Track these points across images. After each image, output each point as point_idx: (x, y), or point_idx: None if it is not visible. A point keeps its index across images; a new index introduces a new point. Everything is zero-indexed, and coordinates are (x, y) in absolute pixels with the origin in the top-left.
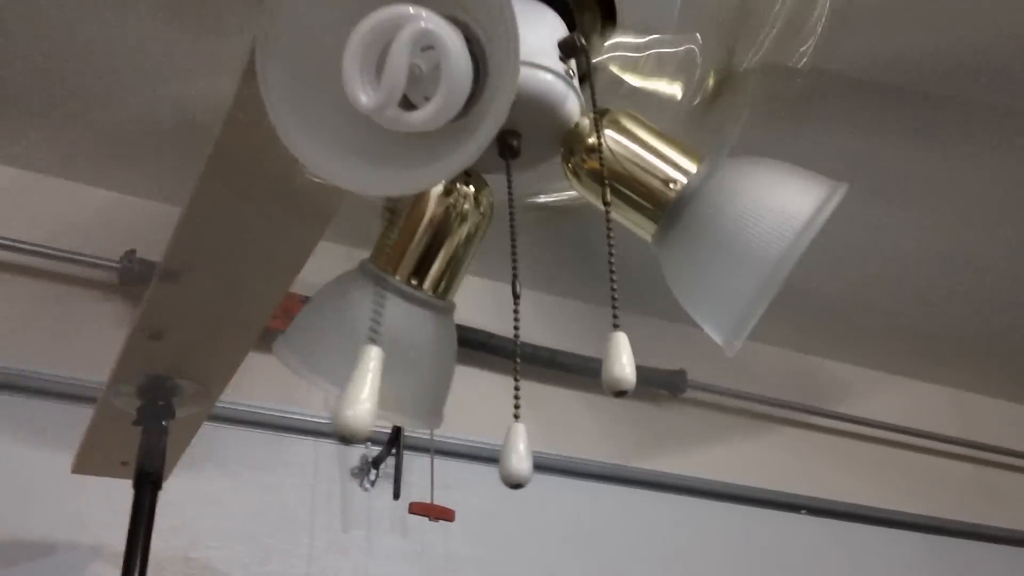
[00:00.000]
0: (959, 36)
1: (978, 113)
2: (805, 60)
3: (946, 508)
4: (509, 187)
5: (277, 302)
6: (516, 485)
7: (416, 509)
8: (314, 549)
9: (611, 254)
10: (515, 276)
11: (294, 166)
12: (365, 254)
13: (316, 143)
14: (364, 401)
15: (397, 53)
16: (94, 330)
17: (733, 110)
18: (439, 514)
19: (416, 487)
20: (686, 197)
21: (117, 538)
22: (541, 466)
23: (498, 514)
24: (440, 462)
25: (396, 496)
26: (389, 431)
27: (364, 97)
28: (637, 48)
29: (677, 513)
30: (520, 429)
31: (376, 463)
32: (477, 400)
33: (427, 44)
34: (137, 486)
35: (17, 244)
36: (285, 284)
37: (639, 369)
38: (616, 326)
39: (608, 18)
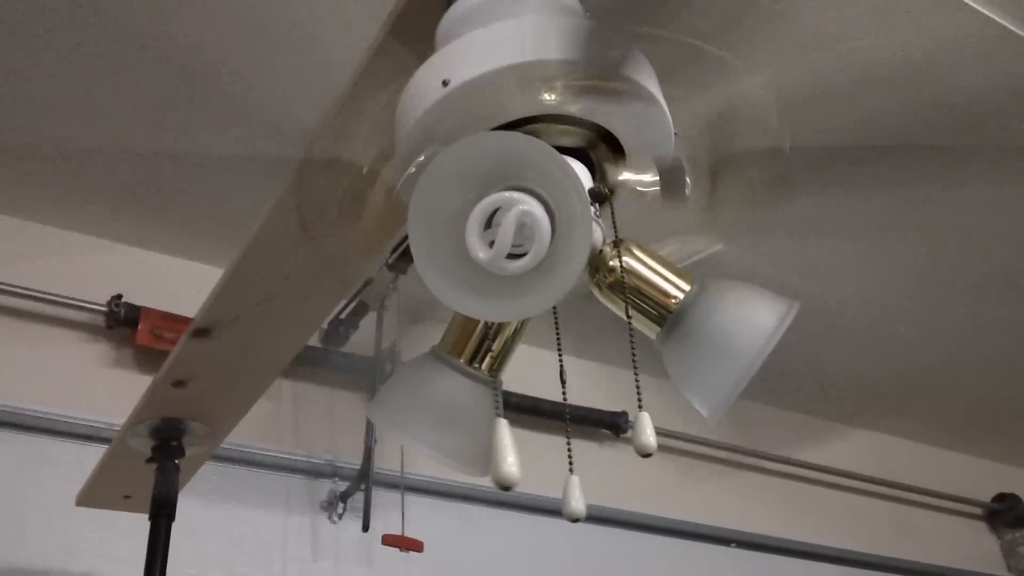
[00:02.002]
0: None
1: (901, 189)
2: (779, 145)
3: (863, 542)
4: (555, 310)
5: (294, 355)
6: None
7: (388, 540)
8: None
9: (634, 354)
10: (562, 367)
11: (327, 240)
12: None
13: (443, 281)
14: (512, 458)
15: (507, 225)
16: (82, 370)
17: (731, 207)
18: (409, 545)
19: (381, 520)
20: (683, 309)
21: (107, 566)
22: (498, 502)
23: (456, 547)
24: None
25: (365, 528)
26: (358, 467)
27: (482, 253)
28: (642, 181)
29: (617, 545)
30: (575, 481)
31: (344, 497)
32: None
33: (524, 220)
34: (153, 519)
35: (6, 288)
36: (304, 339)
37: (583, 409)
38: (640, 407)
39: (619, 153)
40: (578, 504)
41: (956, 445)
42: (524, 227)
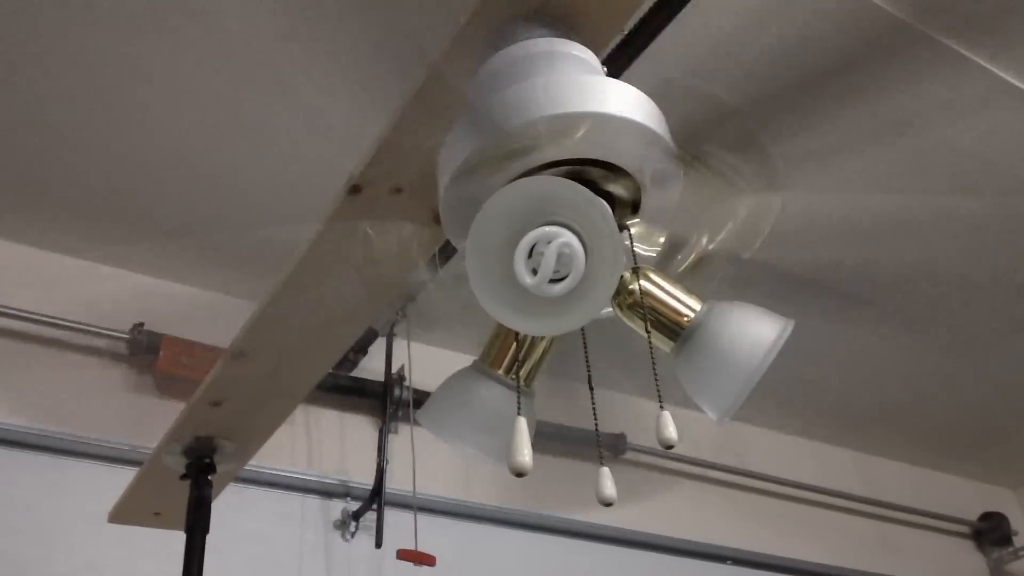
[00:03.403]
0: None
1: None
2: (749, 254)
3: (850, 558)
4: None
5: (321, 377)
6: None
7: (403, 555)
8: None
9: (654, 364)
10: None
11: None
12: None
13: (494, 301)
14: (527, 449)
15: (549, 255)
16: (105, 395)
17: (707, 274)
18: (422, 560)
19: (392, 538)
20: (694, 326)
21: None
22: (504, 521)
23: (464, 564)
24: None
25: (378, 544)
26: (369, 487)
27: (528, 279)
28: (650, 233)
29: (615, 562)
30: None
31: (356, 516)
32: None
33: (564, 250)
34: (189, 532)
35: (37, 317)
36: (332, 362)
37: (580, 431)
38: (661, 406)
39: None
40: (610, 491)
41: (943, 465)
42: (562, 256)
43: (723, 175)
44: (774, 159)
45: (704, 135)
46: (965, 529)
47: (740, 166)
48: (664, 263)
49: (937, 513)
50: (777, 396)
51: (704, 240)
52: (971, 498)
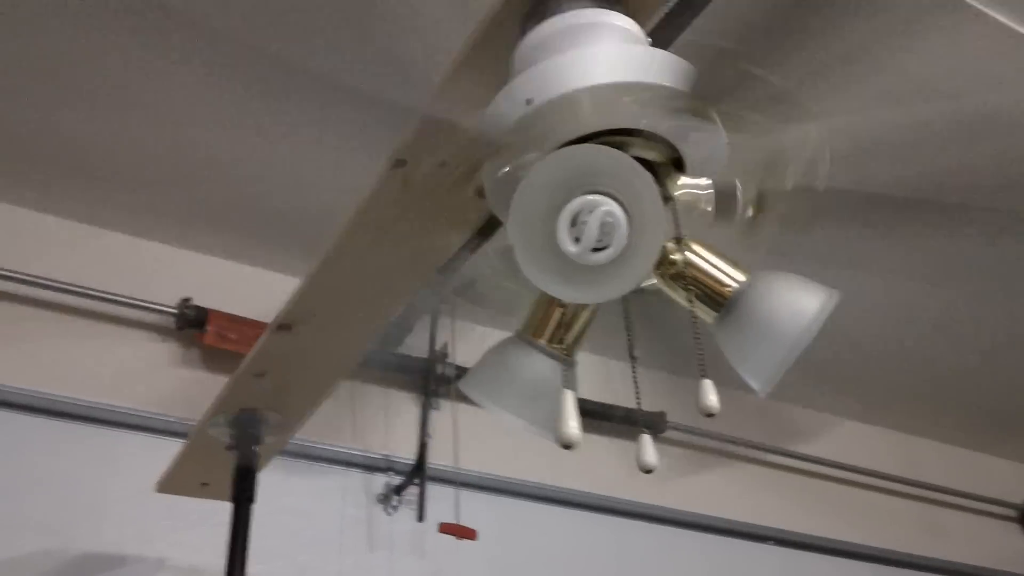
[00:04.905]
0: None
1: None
2: (818, 183)
3: (893, 540)
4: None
5: (366, 349)
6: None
7: (445, 528)
8: (343, 567)
9: (697, 335)
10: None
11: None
12: None
13: (537, 269)
14: (574, 421)
15: (592, 223)
16: (153, 368)
17: (767, 226)
18: (464, 533)
19: (433, 513)
20: (737, 296)
21: (180, 554)
22: (545, 497)
23: (505, 540)
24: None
25: (420, 518)
26: (411, 463)
27: (571, 247)
28: (699, 188)
29: (657, 541)
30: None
31: (399, 491)
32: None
33: (607, 219)
34: (236, 501)
35: (87, 291)
36: (376, 334)
37: (623, 410)
38: (703, 374)
39: (678, 168)
40: (651, 458)
41: (988, 447)
42: (605, 225)
43: (754, 119)
44: (792, 92)
45: (726, 89)
46: (1011, 512)
47: (763, 106)
48: (724, 218)
49: (982, 495)
50: (814, 372)
51: (759, 187)
52: (1017, 481)
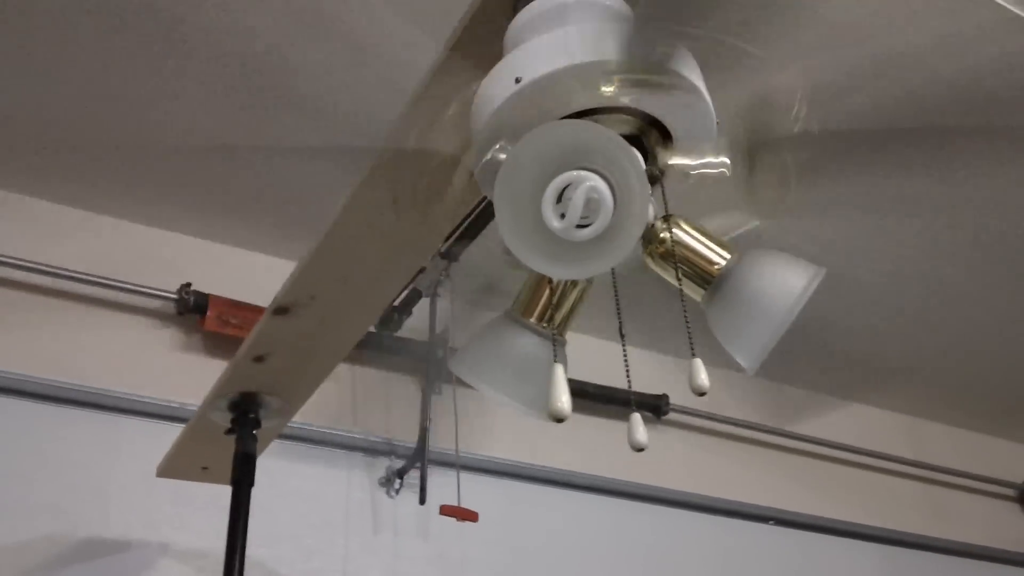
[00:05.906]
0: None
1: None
2: (808, 130)
3: (898, 521)
4: (613, 273)
5: (362, 335)
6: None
7: (446, 511)
8: (349, 550)
9: (685, 314)
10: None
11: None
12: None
13: (523, 246)
14: (565, 396)
15: (577, 199)
16: (154, 354)
17: (767, 187)
18: (465, 515)
19: (435, 496)
20: (724, 274)
21: (184, 538)
22: (547, 480)
23: (506, 522)
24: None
25: (422, 501)
26: (412, 446)
27: (556, 223)
28: (688, 164)
29: (658, 522)
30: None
31: (401, 474)
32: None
33: (591, 195)
34: (235, 484)
35: (87, 277)
36: (372, 320)
37: (623, 392)
38: (693, 354)
39: (667, 139)
40: (642, 436)
41: (990, 428)
42: (590, 201)
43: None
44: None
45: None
46: (1011, 492)
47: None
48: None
49: (983, 476)
50: (817, 353)
51: (749, 138)
52: (1018, 461)
